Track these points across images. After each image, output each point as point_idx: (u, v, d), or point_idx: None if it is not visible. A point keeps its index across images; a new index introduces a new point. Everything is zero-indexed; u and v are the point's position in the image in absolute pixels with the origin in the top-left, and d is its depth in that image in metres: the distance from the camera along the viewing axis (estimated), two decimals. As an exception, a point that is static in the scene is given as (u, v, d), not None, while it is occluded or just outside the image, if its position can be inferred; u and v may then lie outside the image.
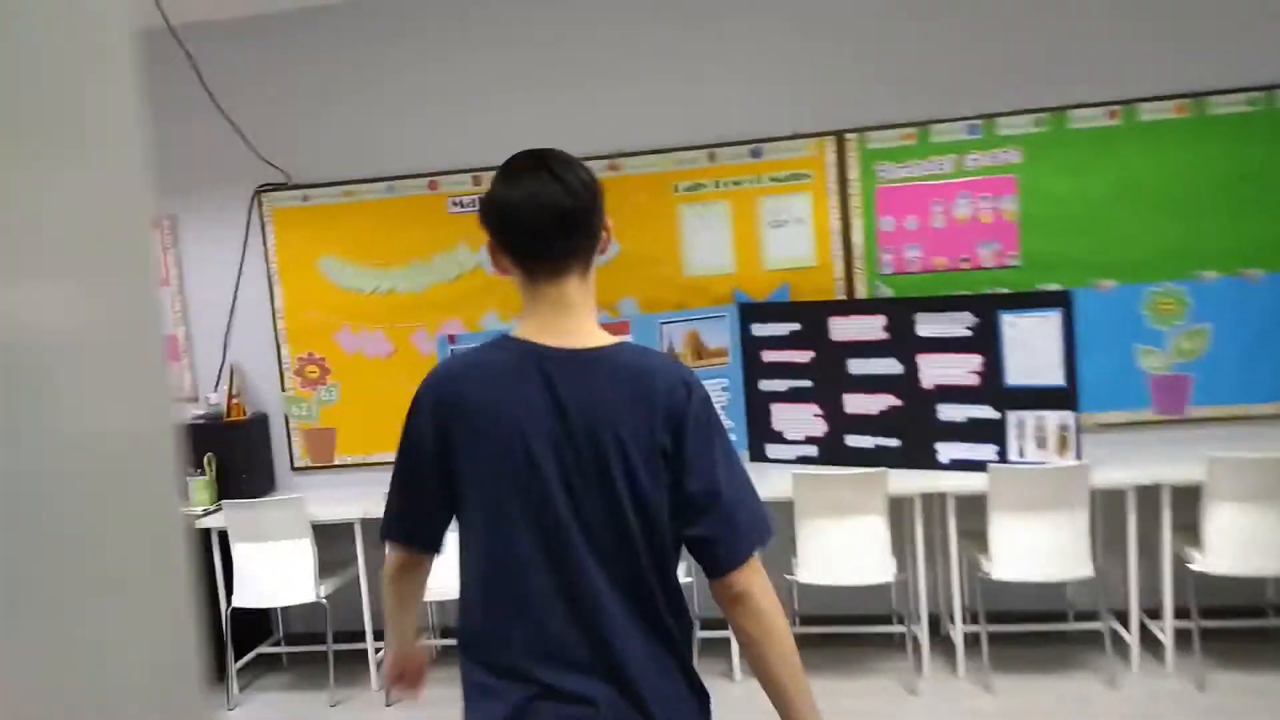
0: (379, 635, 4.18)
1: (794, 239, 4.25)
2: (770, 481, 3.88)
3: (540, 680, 1.47)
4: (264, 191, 4.56)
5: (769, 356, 4.15)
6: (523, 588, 1.49)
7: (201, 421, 4.45)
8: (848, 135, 4.18)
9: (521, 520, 1.48)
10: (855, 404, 4.00)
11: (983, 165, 4.09)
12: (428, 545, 1.61)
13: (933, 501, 3.86)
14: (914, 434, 3.89)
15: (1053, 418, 3.67)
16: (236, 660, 4.23)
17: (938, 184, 4.13)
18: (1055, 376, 3.64)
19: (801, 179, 4.23)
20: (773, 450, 4.19)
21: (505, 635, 1.50)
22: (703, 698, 1.56)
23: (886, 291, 4.19)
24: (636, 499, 1.46)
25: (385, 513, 1.61)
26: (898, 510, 3.78)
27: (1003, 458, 3.74)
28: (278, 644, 4.57)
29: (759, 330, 4.16)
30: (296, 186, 4.54)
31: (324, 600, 4.03)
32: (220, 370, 4.61)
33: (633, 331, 4.05)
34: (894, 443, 3.94)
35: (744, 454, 4.19)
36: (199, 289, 4.67)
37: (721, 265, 4.31)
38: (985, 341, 3.74)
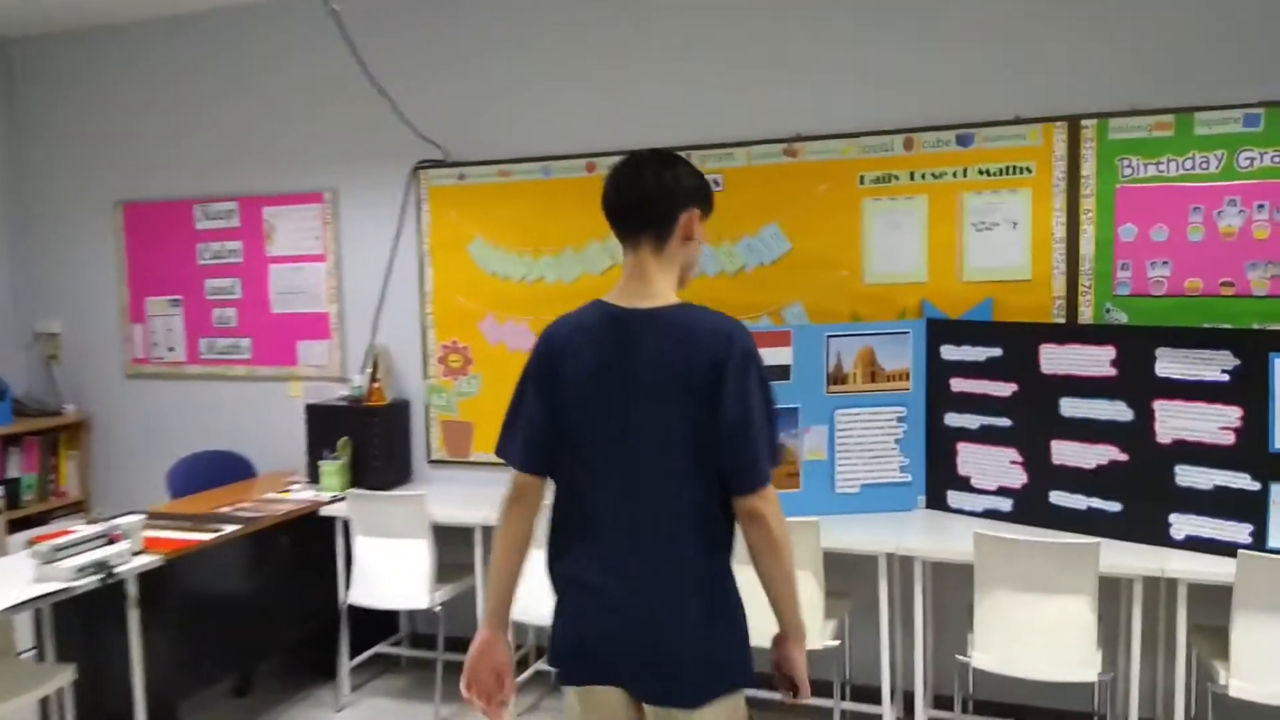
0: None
1: (1004, 245, 3.53)
2: (950, 536, 3.25)
3: (581, 580, 1.82)
4: (422, 168, 4.33)
5: (960, 386, 3.45)
6: (582, 507, 1.83)
7: (343, 404, 4.29)
8: (1084, 122, 3.40)
9: (587, 449, 1.82)
10: (1066, 454, 3.24)
11: (1261, 166, 3.21)
12: (521, 461, 1.89)
13: (1158, 587, 3.05)
14: (1141, 499, 3.10)
15: (1339, 499, 2.79)
16: (355, 657, 4.03)
17: (1199, 186, 3.28)
18: (1347, 445, 2.76)
19: (1020, 173, 3.50)
20: (956, 499, 3.49)
21: (568, 547, 1.85)
22: (725, 614, 1.80)
23: (1120, 317, 3.39)
24: (680, 431, 1.76)
25: (500, 436, 1.93)
26: (1110, 592, 3.01)
27: (1259, 542, 2.89)
28: (399, 643, 4.35)
29: (950, 353, 3.47)
30: (453, 164, 4.28)
31: (438, 608, 3.73)
32: (367, 352, 4.44)
33: (795, 343, 3.47)
34: (1113, 506, 3.16)
35: (920, 499, 3.54)
36: (354, 267, 4.51)
37: (910, 272, 3.65)
38: (1248, 391, 2.90)
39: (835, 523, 3.32)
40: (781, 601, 1.84)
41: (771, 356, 3.47)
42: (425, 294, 4.36)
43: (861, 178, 3.68)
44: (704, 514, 1.78)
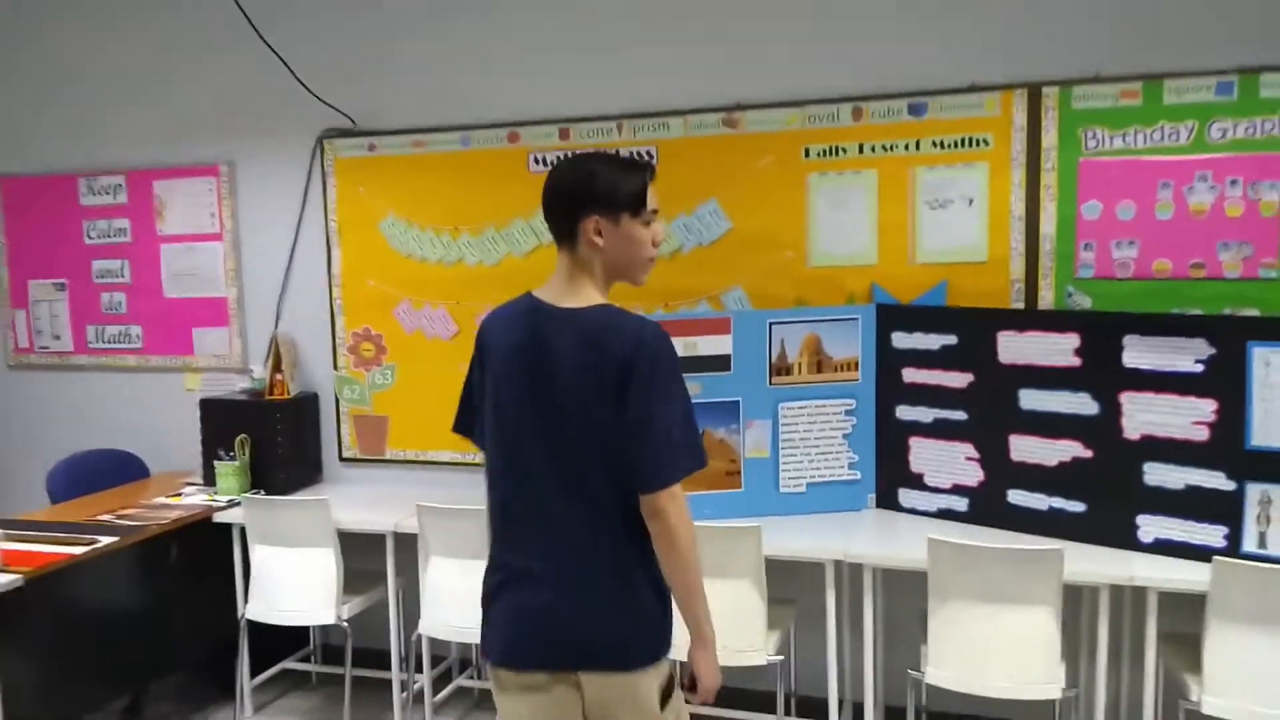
0: (406, 663, 3.56)
1: (959, 224, 3.26)
2: (901, 539, 3.00)
3: (512, 565, 1.90)
4: (328, 138, 3.94)
5: (912, 376, 3.19)
6: (511, 494, 1.90)
7: (243, 398, 3.90)
8: (1045, 89, 3.14)
9: (513, 439, 1.88)
10: (1026, 449, 3.00)
11: (1235, 137, 2.98)
12: (480, 443, 2.00)
13: (1124, 595, 2.83)
14: (1107, 499, 2.87)
15: (1319, 499, 2.58)
16: (261, 673, 3.68)
17: (1168, 160, 3.04)
18: (1328, 440, 2.54)
19: (976, 146, 3.23)
20: (908, 497, 3.24)
21: (503, 533, 1.93)
22: (650, 587, 1.87)
23: (1083, 301, 3.15)
24: (592, 429, 1.81)
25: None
26: (1073, 600, 2.78)
27: (1233, 546, 2.68)
28: (308, 658, 4.00)
29: (902, 341, 3.21)
30: (362, 133, 3.89)
31: (344, 622, 3.39)
32: (270, 340, 4.05)
33: (735, 330, 3.18)
34: (1077, 507, 2.92)
35: (870, 498, 3.28)
36: (254, 247, 4.12)
37: (859, 253, 3.37)
38: (1223, 382, 2.67)
39: (780, 525, 3.05)
40: (683, 600, 1.88)
41: (710, 345, 3.19)
42: (333, 276, 3.99)
43: (807, 150, 3.39)
44: (623, 506, 1.83)
